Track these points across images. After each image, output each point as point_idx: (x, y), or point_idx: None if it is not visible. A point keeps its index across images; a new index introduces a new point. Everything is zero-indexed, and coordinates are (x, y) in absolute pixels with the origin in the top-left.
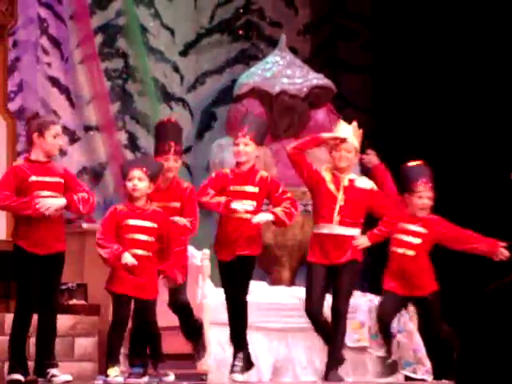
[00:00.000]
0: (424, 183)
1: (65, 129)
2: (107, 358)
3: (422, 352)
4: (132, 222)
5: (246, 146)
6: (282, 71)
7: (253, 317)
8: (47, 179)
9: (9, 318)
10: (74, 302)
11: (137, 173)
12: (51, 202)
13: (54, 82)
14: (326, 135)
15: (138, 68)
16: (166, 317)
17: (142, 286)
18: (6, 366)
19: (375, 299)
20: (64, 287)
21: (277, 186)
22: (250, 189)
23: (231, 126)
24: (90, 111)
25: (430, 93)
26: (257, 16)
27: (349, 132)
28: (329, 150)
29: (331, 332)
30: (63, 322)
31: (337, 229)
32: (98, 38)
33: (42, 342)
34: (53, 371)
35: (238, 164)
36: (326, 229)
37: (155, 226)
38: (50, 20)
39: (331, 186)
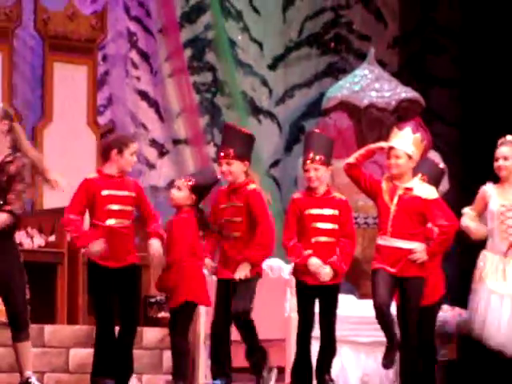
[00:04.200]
0: None
1: (153, 142)
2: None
3: None
4: None
5: (316, 172)
6: (371, 84)
7: (341, 330)
8: (119, 193)
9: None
10: (162, 315)
11: (179, 182)
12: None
13: (143, 95)
14: (373, 146)
15: (227, 81)
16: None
17: None
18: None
19: (464, 313)
20: (153, 300)
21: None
22: (328, 212)
23: None
24: (178, 124)
25: None
26: (345, 29)
27: (400, 139)
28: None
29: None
30: (152, 335)
31: (392, 241)
32: (187, 52)
33: (123, 354)
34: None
35: (312, 189)
36: (383, 241)
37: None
38: (140, 34)
39: (386, 197)
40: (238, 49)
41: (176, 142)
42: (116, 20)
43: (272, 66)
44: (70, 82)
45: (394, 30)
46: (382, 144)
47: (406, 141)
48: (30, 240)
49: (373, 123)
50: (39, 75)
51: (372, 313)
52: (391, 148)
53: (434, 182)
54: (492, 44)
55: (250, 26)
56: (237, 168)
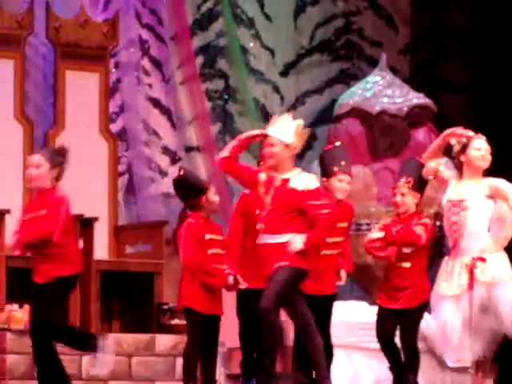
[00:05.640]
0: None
1: (166, 149)
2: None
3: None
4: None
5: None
6: (383, 91)
7: (353, 337)
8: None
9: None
10: (175, 321)
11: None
12: None
13: (155, 102)
14: (246, 134)
15: (239, 89)
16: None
17: None
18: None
19: None
20: (165, 307)
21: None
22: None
23: None
24: (191, 132)
25: None
26: (357, 36)
27: (276, 126)
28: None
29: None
30: (165, 341)
31: (264, 238)
32: (199, 59)
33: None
34: None
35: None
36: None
37: None
38: (152, 41)
39: (261, 189)
40: (250, 56)
41: (188, 149)
42: (128, 27)
43: (284, 73)
44: (81, 89)
45: (406, 36)
46: (255, 132)
47: (284, 128)
48: None
49: (385, 129)
50: (51, 83)
51: None
52: (266, 136)
53: (420, 184)
54: (504, 48)
55: (262, 33)
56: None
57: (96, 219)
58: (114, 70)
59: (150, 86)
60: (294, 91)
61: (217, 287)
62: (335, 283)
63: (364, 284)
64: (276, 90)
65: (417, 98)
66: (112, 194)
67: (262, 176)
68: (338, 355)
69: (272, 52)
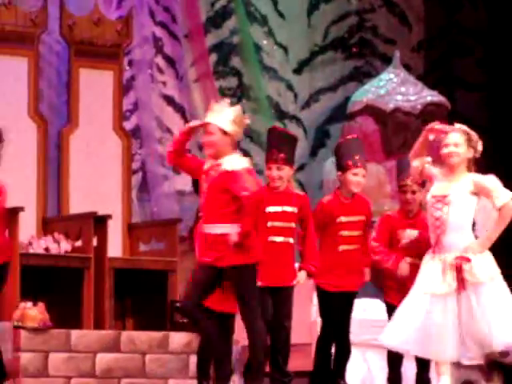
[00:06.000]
0: None
1: None
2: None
3: None
4: None
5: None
6: (396, 88)
7: (367, 335)
8: None
9: (124, 335)
10: None
11: None
12: None
13: (169, 100)
14: (187, 126)
15: (252, 86)
16: None
17: None
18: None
19: None
20: (179, 305)
21: None
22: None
23: None
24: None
25: None
26: (370, 33)
27: (214, 114)
28: None
29: None
30: (178, 339)
31: (204, 227)
32: (213, 57)
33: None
34: None
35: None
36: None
37: None
38: (165, 39)
39: (203, 177)
40: (263, 53)
41: (202, 147)
42: (141, 25)
43: (297, 71)
44: (95, 87)
45: (419, 34)
46: (196, 122)
47: (222, 116)
48: (56, 245)
49: (398, 127)
50: (65, 80)
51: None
52: (206, 124)
53: (424, 182)
54: None
55: (275, 30)
56: (287, 173)
57: (110, 217)
58: (127, 68)
59: (163, 83)
60: (307, 89)
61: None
62: (357, 281)
63: (378, 282)
64: (289, 87)
65: (430, 96)
66: (126, 192)
67: (206, 166)
68: (352, 353)
69: (285, 49)
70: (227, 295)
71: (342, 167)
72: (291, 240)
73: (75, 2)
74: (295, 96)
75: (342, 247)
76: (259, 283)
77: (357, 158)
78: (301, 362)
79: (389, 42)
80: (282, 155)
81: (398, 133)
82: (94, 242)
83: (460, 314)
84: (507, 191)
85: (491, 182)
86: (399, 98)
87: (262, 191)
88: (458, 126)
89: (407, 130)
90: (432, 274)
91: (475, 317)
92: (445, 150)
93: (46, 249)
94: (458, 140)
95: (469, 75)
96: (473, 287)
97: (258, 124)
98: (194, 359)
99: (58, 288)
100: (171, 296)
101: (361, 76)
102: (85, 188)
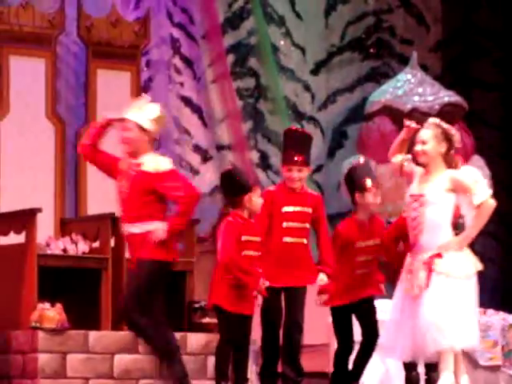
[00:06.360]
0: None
1: (197, 148)
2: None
3: None
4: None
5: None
6: (414, 89)
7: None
8: None
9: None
10: (206, 320)
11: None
12: None
13: (187, 101)
14: (105, 119)
15: (270, 87)
16: None
17: None
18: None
19: (509, 317)
20: (197, 306)
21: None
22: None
23: (362, 145)
24: (222, 130)
25: None
26: (388, 34)
27: (133, 110)
28: None
29: None
30: (196, 340)
31: (126, 227)
32: (230, 58)
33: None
34: None
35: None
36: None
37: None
38: (183, 40)
39: (120, 177)
40: (281, 54)
41: (219, 147)
42: (159, 26)
43: (314, 71)
44: (113, 88)
45: (437, 34)
46: (113, 116)
47: (141, 112)
48: (74, 246)
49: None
50: (82, 81)
51: None
52: (124, 120)
53: None
54: None
55: (293, 31)
56: (306, 174)
57: None
58: (145, 69)
59: (181, 84)
60: (324, 89)
61: (251, 287)
62: (372, 292)
63: (393, 282)
64: (307, 88)
65: (448, 96)
66: None
67: (122, 164)
68: None
69: (303, 50)
70: (245, 297)
71: (360, 188)
72: (305, 241)
73: (93, 3)
74: (312, 97)
75: (357, 272)
76: (267, 283)
77: (373, 178)
78: (317, 362)
79: (406, 43)
80: (302, 157)
81: (415, 133)
82: (112, 242)
83: (424, 311)
84: (485, 188)
85: (469, 177)
86: (416, 98)
87: (195, 190)
88: (431, 120)
89: None
90: (407, 274)
91: (441, 313)
92: (414, 149)
93: (64, 250)
94: (426, 137)
95: (486, 75)
96: (444, 284)
97: (275, 125)
98: (211, 360)
99: (75, 289)
100: (189, 297)
101: (378, 76)
102: (102, 189)
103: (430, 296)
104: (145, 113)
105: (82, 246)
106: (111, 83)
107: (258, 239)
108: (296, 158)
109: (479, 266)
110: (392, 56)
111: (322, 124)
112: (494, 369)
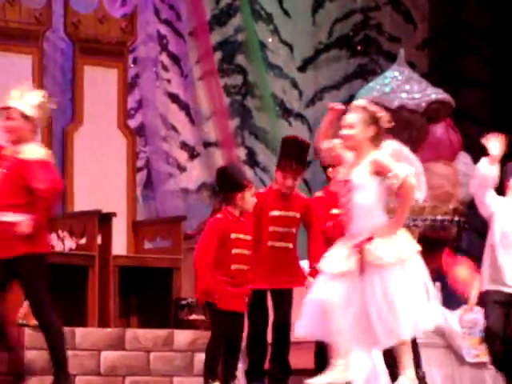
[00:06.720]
0: None
1: (184, 145)
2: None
3: None
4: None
5: None
6: (401, 86)
7: None
8: None
9: (129, 333)
10: (193, 317)
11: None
12: None
13: (174, 98)
14: None
15: (257, 84)
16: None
17: None
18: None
19: None
20: (184, 303)
21: None
22: None
23: None
24: (209, 127)
25: None
26: (375, 31)
27: (16, 98)
28: None
29: None
30: (183, 337)
31: None
32: (218, 55)
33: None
34: None
35: None
36: None
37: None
38: (170, 37)
39: (0, 164)
40: (268, 51)
41: (207, 144)
42: (146, 23)
43: (302, 68)
44: (100, 85)
45: (424, 32)
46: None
47: (24, 100)
48: (60, 243)
49: (403, 125)
50: (69, 78)
51: None
52: (6, 109)
53: None
54: None
55: (280, 28)
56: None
57: (114, 214)
58: (132, 66)
59: (168, 81)
60: (312, 86)
61: (196, 297)
62: None
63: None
64: (294, 85)
65: (435, 94)
66: (130, 190)
67: (6, 151)
68: (358, 350)
69: (290, 47)
70: (238, 295)
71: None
72: (290, 245)
73: None
74: (300, 94)
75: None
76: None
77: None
78: (303, 359)
79: (393, 40)
80: (299, 167)
81: (402, 130)
82: (99, 239)
83: (364, 301)
84: (403, 167)
85: (387, 158)
86: (404, 95)
87: (58, 186)
88: (356, 102)
89: (412, 128)
90: (335, 256)
91: (381, 304)
92: (340, 133)
93: (51, 246)
94: (353, 120)
95: (473, 73)
96: (377, 270)
97: (262, 122)
98: (198, 357)
99: (62, 286)
100: (176, 294)
101: (365, 74)
102: (89, 186)
103: (368, 296)
104: (28, 100)
105: (69, 243)
106: (98, 80)
107: (248, 238)
108: (294, 167)
109: (416, 248)
110: (379, 53)
111: (310, 121)
112: (481, 365)
